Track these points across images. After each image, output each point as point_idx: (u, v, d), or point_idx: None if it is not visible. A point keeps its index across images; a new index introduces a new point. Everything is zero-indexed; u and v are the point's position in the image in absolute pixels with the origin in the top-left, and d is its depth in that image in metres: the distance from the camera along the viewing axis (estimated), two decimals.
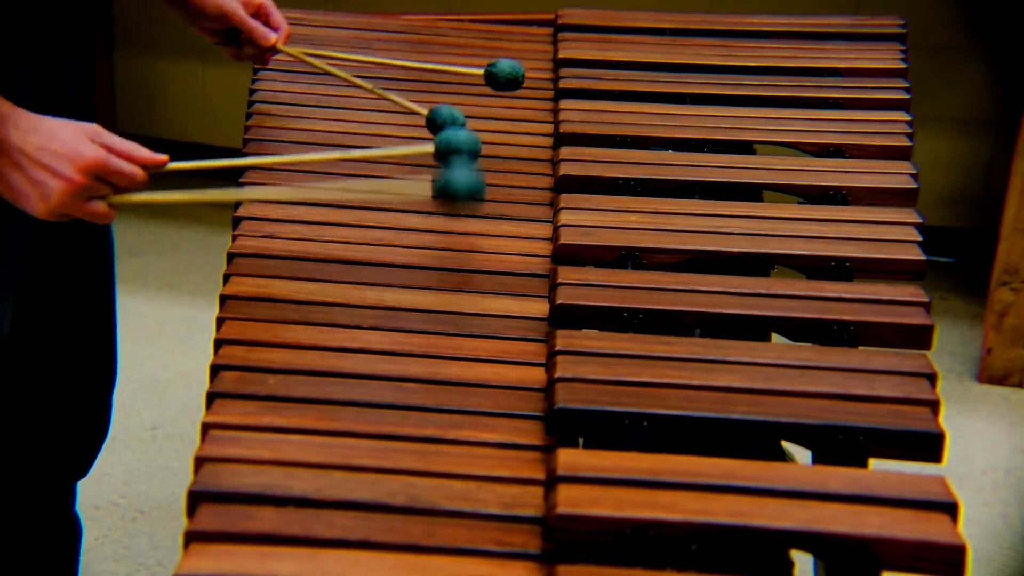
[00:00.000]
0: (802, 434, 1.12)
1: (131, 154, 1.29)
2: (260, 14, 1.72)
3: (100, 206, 1.29)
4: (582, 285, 1.35)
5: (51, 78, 1.47)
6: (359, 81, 1.76)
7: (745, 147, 1.74)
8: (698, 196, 1.60)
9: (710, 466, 1.04)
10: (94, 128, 1.29)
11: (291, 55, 1.76)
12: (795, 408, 1.14)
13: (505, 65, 1.70)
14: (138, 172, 1.29)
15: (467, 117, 1.76)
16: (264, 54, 1.73)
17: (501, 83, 1.70)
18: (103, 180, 1.28)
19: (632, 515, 0.98)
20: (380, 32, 2.03)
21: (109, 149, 1.28)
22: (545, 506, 1.01)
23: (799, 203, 1.58)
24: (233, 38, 1.72)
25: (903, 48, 1.96)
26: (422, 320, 1.32)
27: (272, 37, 1.70)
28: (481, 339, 1.29)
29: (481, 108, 1.79)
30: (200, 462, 1.05)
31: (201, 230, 3.53)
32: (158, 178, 1.32)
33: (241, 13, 1.68)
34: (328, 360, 1.23)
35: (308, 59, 1.78)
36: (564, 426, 1.13)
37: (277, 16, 1.72)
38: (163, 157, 1.32)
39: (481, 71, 1.70)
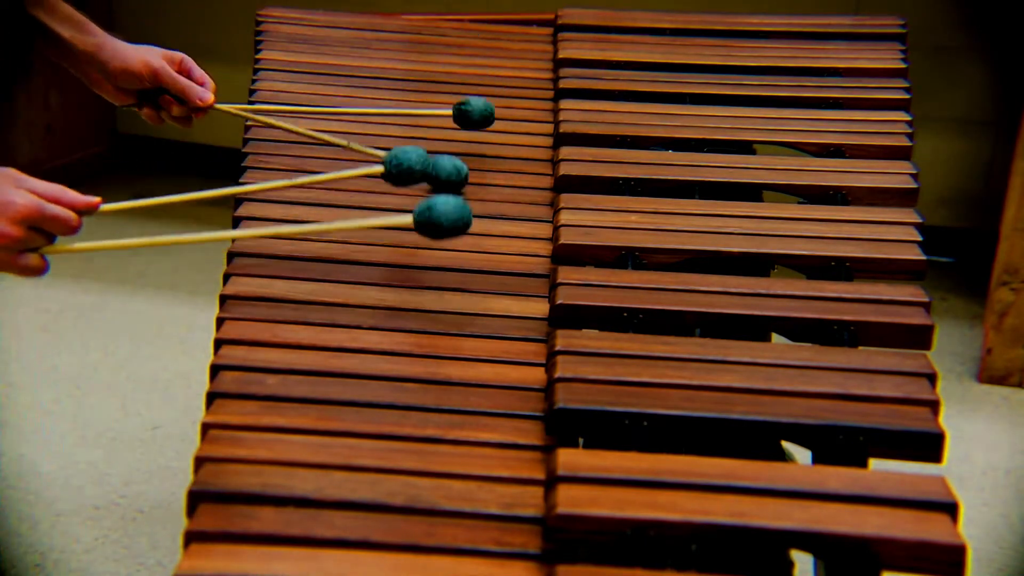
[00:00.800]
0: (802, 434, 1.12)
1: (59, 198, 1.19)
2: (183, 71, 1.57)
3: (33, 259, 1.19)
4: (582, 285, 1.35)
5: None
6: (311, 132, 1.64)
7: (745, 147, 1.74)
8: (698, 196, 1.60)
9: (710, 466, 1.04)
10: (13, 173, 1.19)
11: (228, 112, 1.61)
12: (795, 408, 1.14)
13: (478, 103, 1.66)
14: (72, 217, 1.19)
15: None
16: (194, 114, 1.58)
17: (476, 120, 1.66)
18: (38, 230, 1.18)
19: (632, 515, 0.98)
20: (380, 32, 2.03)
21: (37, 195, 1.18)
22: (545, 506, 1.01)
23: (799, 203, 1.58)
24: (150, 99, 1.57)
25: (903, 48, 1.96)
26: (422, 320, 1.32)
27: (209, 97, 1.56)
28: (481, 339, 1.29)
29: None
30: (200, 462, 1.05)
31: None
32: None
33: (171, 71, 1.54)
34: (328, 360, 1.23)
35: (247, 115, 1.66)
36: (564, 426, 1.13)
37: (199, 71, 1.58)
38: (95, 200, 1.21)
39: (450, 112, 1.66)
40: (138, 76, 1.52)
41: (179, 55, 1.57)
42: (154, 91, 1.55)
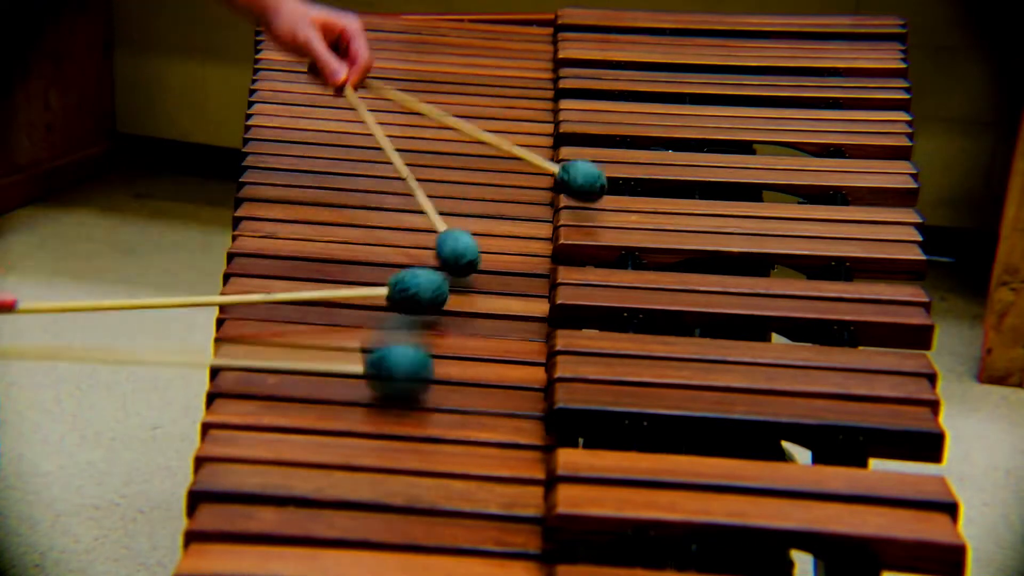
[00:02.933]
0: (802, 434, 1.12)
1: None
2: (342, 41, 1.48)
3: None
4: (582, 285, 1.35)
5: None
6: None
7: (745, 147, 1.74)
8: (698, 196, 1.60)
9: (710, 466, 1.04)
10: None
11: (352, 103, 1.50)
12: (795, 408, 1.14)
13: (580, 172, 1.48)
14: None
15: (466, 117, 1.76)
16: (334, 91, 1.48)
17: (574, 191, 1.49)
18: None
19: (632, 515, 0.98)
20: (380, 32, 2.03)
21: None
22: (545, 506, 1.01)
23: (799, 203, 1.58)
24: (313, 65, 1.50)
25: (903, 48, 1.96)
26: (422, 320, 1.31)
27: (340, 76, 1.46)
28: (481, 339, 1.29)
29: (481, 108, 1.79)
30: (200, 462, 1.05)
31: (201, 230, 3.53)
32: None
33: (315, 44, 1.45)
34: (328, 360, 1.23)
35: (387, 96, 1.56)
36: (564, 426, 1.13)
37: (359, 45, 1.47)
38: (9, 299, 1.14)
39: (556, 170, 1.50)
40: (288, 47, 1.47)
41: (343, 23, 1.47)
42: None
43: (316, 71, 1.49)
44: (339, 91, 1.48)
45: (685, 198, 1.58)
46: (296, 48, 1.46)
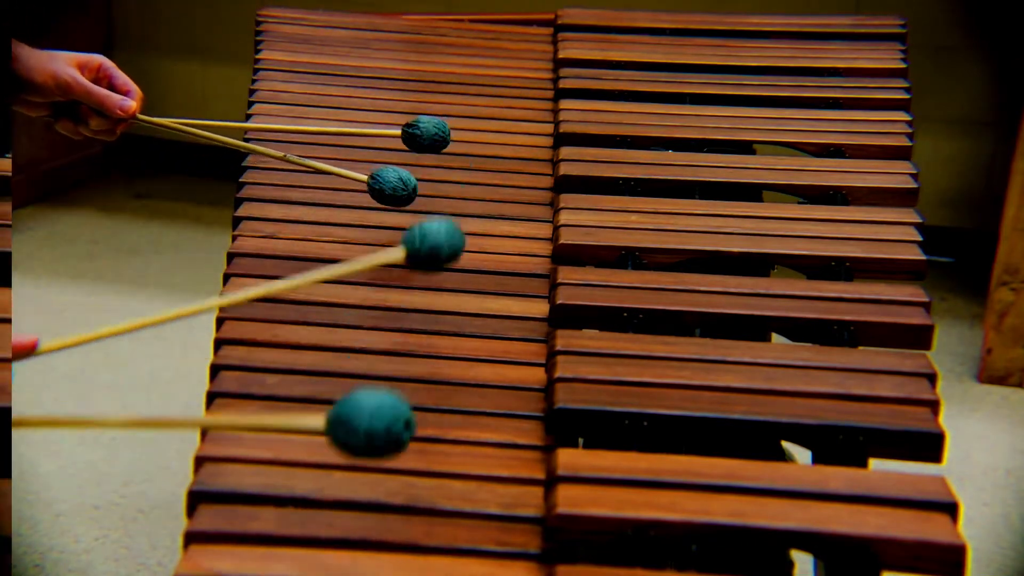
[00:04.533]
0: (802, 434, 1.12)
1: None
2: (101, 78, 1.40)
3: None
4: (582, 285, 1.35)
5: None
6: (247, 146, 1.53)
7: (745, 147, 1.74)
8: (698, 196, 1.60)
9: (710, 466, 1.04)
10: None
11: (152, 123, 1.43)
12: (795, 408, 1.14)
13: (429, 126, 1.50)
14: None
15: (466, 117, 1.77)
16: (117, 126, 1.41)
17: (425, 144, 1.50)
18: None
19: (632, 515, 0.98)
20: (380, 32, 2.03)
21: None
22: (545, 506, 1.01)
23: (799, 203, 1.59)
24: (67, 111, 1.41)
25: (903, 48, 1.96)
26: (422, 320, 1.32)
27: (131, 105, 1.39)
28: (481, 339, 1.29)
29: (481, 108, 1.79)
30: (200, 462, 1.06)
31: (201, 230, 3.53)
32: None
33: (83, 82, 1.37)
34: (328, 360, 1.23)
35: (183, 128, 1.47)
36: (564, 426, 1.13)
37: (123, 78, 1.41)
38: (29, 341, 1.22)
39: (399, 132, 1.51)
40: (45, 90, 1.37)
41: (97, 59, 1.41)
42: (70, 102, 1.39)
43: (74, 115, 1.41)
44: (125, 124, 1.41)
45: (685, 198, 1.58)
46: (61, 89, 1.37)
